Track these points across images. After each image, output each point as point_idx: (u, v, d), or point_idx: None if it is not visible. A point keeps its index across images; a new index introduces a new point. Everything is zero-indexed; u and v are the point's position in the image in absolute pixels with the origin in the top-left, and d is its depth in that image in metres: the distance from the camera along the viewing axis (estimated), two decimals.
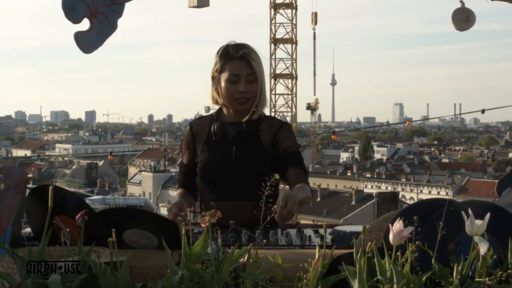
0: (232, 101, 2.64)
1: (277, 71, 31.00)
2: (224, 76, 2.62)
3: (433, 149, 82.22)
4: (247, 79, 2.60)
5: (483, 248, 1.47)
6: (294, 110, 31.46)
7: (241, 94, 2.61)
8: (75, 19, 2.41)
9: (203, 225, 1.49)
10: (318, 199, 39.18)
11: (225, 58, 2.63)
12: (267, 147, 2.66)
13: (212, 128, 2.68)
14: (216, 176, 2.65)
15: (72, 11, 2.39)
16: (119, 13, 2.54)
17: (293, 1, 30.98)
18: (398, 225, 1.48)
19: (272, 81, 30.97)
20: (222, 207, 2.21)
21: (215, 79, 2.67)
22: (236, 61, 2.61)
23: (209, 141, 2.69)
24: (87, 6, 2.42)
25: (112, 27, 2.52)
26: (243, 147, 2.64)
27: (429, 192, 52.57)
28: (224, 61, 2.63)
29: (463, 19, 2.87)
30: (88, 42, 2.46)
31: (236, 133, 2.64)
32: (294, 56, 31.02)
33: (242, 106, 2.64)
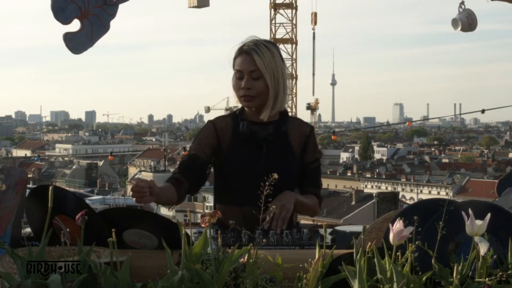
0: (239, 98, 2.56)
1: None
2: (233, 71, 2.56)
3: (433, 149, 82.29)
4: (251, 75, 2.50)
5: (483, 248, 1.47)
6: (294, 110, 31.43)
7: (244, 91, 2.50)
8: (64, 20, 2.40)
9: (203, 225, 1.48)
10: None
11: (236, 53, 2.55)
12: (296, 151, 2.59)
13: (241, 126, 2.55)
14: (245, 178, 2.51)
15: (61, 12, 2.38)
16: (112, 14, 2.52)
17: (293, 1, 30.97)
18: (398, 225, 1.48)
19: None
20: (242, 212, 2.00)
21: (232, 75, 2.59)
22: (243, 56, 2.51)
23: (235, 140, 2.56)
24: (78, 7, 2.41)
25: (104, 28, 2.50)
26: (272, 150, 2.54)
27: (429, 192, 52.59)
28: (235, 56, 2.55)
29: (468, 22, 2.87)
30: (77, 43, 2.44)
31: (265, 134, 2.53)
32: (294, 56, 31.03)
33: (248, 103, 2.53)
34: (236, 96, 2.58)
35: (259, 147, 2.54)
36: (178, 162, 2.74)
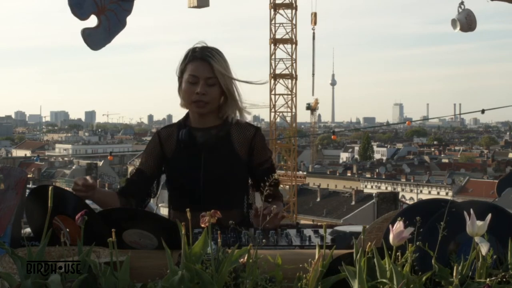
0: (190, 103, 2.57)
1: (277, 71, 30.92)
2: (185, 77, 2.56)
3: (433, 149, 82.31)
4: (207, 82, 2.52)
5: (483, 248, 1.47)
6: (294, 110, 31.41)
7: (198, 97, 2.53)
8: (82, 16, 2.39)
9: (202, 225, 1.48)
10: (318, 199, 39.17)
11: (188, 59, 2.56)
12: (241, 154, 2.60)
13: (179, 135, 2.60)
14: (186, 184, 2.59)
15: (78, 8, 2.37)
16: (128, 10, 2.52)
17: (293, 1, 30.92)
18: (398, 225, 1.48)
19: (272, 81, 30.93)
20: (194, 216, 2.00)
21: (180, 81, 2.60)
22: (198, 62, 2.53)
23: (178, 148, 2.61)
24: (95, 2, 2.40)
25: (121, 24, 2.50)
26: (213, 154, 2.57)
27: (429, 192, 52.56)
28: (187, 62, 2.56)
29: (468, 22, 2.87)
30: (96, 39, 2.44)
31: (204, 139, 2.58)
32: (294, 56, 30.98)
33: (200, 109, 2.56)
34: (186, 101, 2.60)
35: (198, 152, 2.58)
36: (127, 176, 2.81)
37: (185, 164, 2.59)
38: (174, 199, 2.67)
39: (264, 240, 2.00)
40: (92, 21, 2.43)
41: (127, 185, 2.65)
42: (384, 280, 1.44)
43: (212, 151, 2.58)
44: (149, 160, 2.66)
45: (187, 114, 2.67)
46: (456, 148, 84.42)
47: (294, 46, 30.96)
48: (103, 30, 2.44)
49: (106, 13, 2.44)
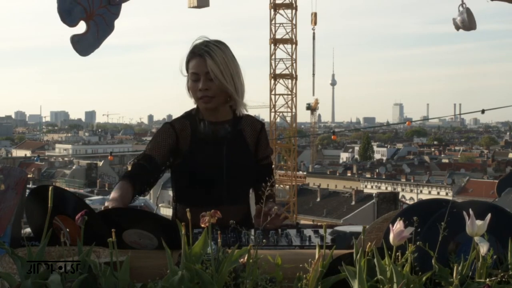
0: (197, 99, 2.59)
1: (277, 71, 30.93)
2: (188, 74, 2.59)
3: (433, 149, 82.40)
4: (207, 77, 2.52)
5: (483, 248, 1.47)
6: (294, 110, 31.41)
7: (202, 93, 2.54)
8: (71, 23, 2.40)
9: (203, 225, 1.48)
10: (318, 199, 39.19)
11: (189, 56, 2.58)
12: (252, 148, 2.67)
13: (202, 127, 2.60)
14: (209, 178, 2.57)
15: (68, 15, 2.38)
16: (116, 14, 2.53)
17: (293, 1, 30.92)
18: (398, 225, 1.48)
19: (272, 81, 30.94)
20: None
21: (186, 77, 2.62)
22: (197, 59, 2.54)
23: (196, 141, 2.59)
24: (83, 8, 2.41)
25: (109, 28, 2.51)
26: (233, 148, 2.60)
27: (429, 192, 52.56)
28: (188, 59, 2.58)
29: (463, 21, 2.88)
30: (84, 45, 2.45)
31: (225, 133, 2.60)
32: (294, 56, 30.98)
33: (206, 104, 2.57)
34: (193, 98, 2.61)
35: (219, 146, 2.59)
36: (131, 161, 2.67)
37: (208, 158, 2.57)
38: (189, 193, 2.61)
39: (264, 240, 2.00)
40: (80, 27, 2.44)
41: (135, 170, 2.54)
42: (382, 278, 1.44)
43: (231, 145, 2.61)
44: (162, 149, 2.57)
45: (198, 108, 2.66)
46: (456, 148, 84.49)
47: (294, 46, 30.96)
48: (91, 36, 2.45)
49: (95, 18, 2.44)
